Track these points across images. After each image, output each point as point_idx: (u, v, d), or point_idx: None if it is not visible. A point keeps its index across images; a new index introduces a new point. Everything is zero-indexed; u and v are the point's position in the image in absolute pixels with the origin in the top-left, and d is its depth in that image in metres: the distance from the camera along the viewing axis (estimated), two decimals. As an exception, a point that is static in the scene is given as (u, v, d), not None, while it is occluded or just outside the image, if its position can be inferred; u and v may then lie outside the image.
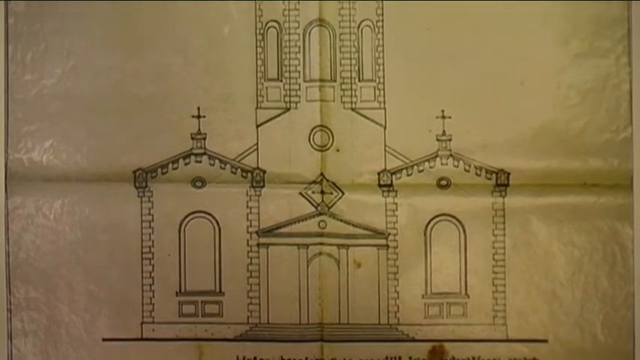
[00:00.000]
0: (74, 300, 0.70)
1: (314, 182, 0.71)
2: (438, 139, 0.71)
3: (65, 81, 0.71)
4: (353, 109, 0.71)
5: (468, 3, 0.71)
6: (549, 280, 0.70)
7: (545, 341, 0.70)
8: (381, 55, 0.71)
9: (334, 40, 0.71)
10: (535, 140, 0.70)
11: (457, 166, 0.71)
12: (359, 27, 0.71)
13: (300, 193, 0.71)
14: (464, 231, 0.71)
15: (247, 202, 0.71)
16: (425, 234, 0.71)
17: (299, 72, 0.71)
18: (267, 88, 0.71)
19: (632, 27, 0.70)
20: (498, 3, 0.71)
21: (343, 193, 0.71)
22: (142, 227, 0.71)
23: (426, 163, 0.71)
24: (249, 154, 0.71)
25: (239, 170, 0.71)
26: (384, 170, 0.71)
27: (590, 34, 0.70)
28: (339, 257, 0.71)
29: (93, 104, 0.71)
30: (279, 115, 0.71)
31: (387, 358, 0.70)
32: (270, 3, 0.71)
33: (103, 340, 0.70)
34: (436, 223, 0.71)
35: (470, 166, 0.71)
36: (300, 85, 0.71)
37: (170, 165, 0.71)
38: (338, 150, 0.71)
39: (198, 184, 0.71)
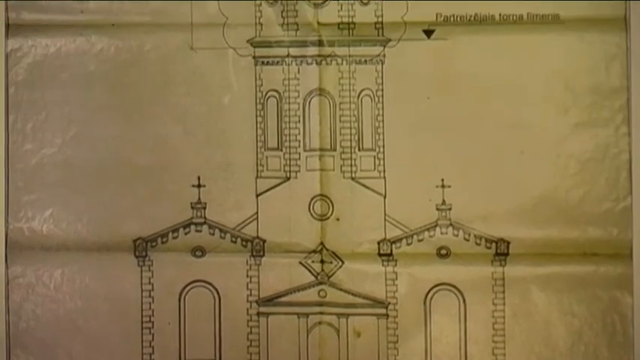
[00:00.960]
0: (74, 369, 0.71)
1: (314, 251, 0.71)
2: (437, 209, 0.71)
3: (65, 150, 0.71)
4: (353, 179, 0.71)
5: (468, 72, 0.71)
6: (549, 350, 0.70)
7: (545, 410, 0.70)
8: (380, 124, 0.71)
9: (334, 110, 0.71)
10: (535, 209, 0.70)
11: (457, 236, 0.71)
12: (359, 96, 0.71)
13: (300, 263, 0.71)
14: (464, 300, 0.71)
15: (247, 271, 0.71)
16: (425, 303, 0.71)
17: (299, 141, 0.71)
18: (267, 157, 0.71)
19: (631, 94, 0.70)
20: (498, 72, 0.71)
21: (343, 263, 0.71)
22: (142, 296, 0.71)
23: (426, 233, 0.71)
24: (249, 223, 0.71)
25: (239, 239, 0.71)
26: (384, 239, 0.71)
27: (589, 104, 0.71)
28: (339, 326, 0.71)
29: (93, 173, 0.71)
30: (279, 185, 0.71)
31: None
32: (270, 72, 0.71)
33: (104, 409, 0.71)
34: (436, 292, 0.71)
35: (470, 235, 0.71)
36: (300, 154, 0.71)
37: (170, 234, 0.71)
38: (338, 219, 0.71)
39: (198, 253, 0.71)
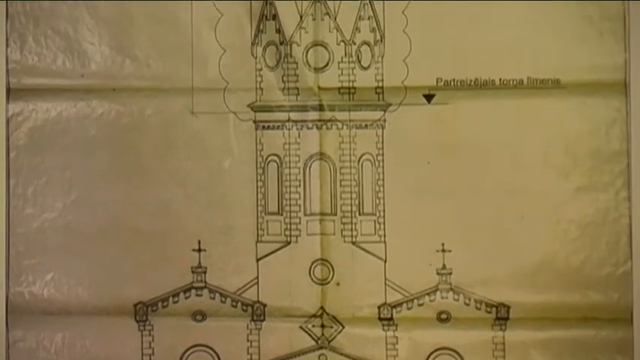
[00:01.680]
0: None
1: (314, 316, 0.71)
2: (438, 273, 0.71)
3: (66, 214, 0.71)
4: (353, 243, 0.71)
5: (468, 136, 0.71)
6: (550, 414, 0.70)
7: None
8: (381, 188, 0.71)
9: (335, 174, 0.71)
10: (535, 274, 0.70)
11: (457, 300, 0.71)
12: (359, 160, 0.72)
13: (301, 327, 0.71)
14: (464, 364, 0.71)
15: (248, 335, 0.71)
16: (425, 367, 0.71)
17: (299, 205, 0.71)
18: (267, 221, 0.71)
19: (631, 158, 0.70)
20: (499, 137, 0.71)
21: (343, 327, 0.71)
22: (142, 360, 0.71)
23: (427, 297, 0.71)
24: (249, 287, 0.71)
25: (239, 304, 0.71)
26: (385, 304, 0.71)
27: (589, 169, 0.71)
28: (340, 390, 0.71)
29: (94, 238, 0.71)
30: (279, 249, 0.71)
31: None
32: (271, 137, 0.71)
33: None
34: (437, 356, 0.71)
35: (470, 299, 0.71)
36: (300, 218, 0.71)
37: (171, 299, 0.71)
38: (338, 284, 0.71)
39: (199, 317, 0.71)
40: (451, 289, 0.71)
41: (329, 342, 0.71)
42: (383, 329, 0.71)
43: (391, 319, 0.71)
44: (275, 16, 0.71)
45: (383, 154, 0.71)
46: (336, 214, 0.71)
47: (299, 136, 0.71)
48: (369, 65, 0.72)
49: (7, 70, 0.71)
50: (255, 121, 0.71)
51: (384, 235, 0.71)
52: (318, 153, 0.71)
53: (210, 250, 0.71)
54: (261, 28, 0.72)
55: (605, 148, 0.71)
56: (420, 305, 0.71)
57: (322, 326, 0.71)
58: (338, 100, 0.71)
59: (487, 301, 0.71)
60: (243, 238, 0.71)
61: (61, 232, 0.71)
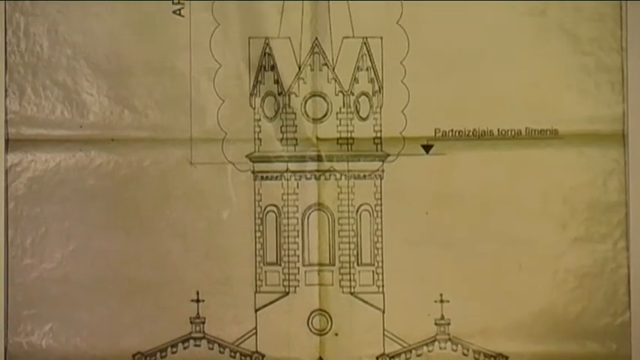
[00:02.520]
0: None
1: (313, 366, 0.71)
2: (436, 323, 0.71)
3: (65, 265, 0.71)
4: (352, 293, 0.71)
5: (466, 187, 0.71)
6: None
7: None
8: (379, 239, 0.71)
9: (333, 224, 0.72)
10: (533, 324, 0.70)
11: (455, 350, 0.71)
12: (357, 211, 0.72)
13: (300, 377, 0.71)
14: (462, 415, 0.71)
15: (246, 385, 0.71)
16: (424, 418, 0.71)
17: (298, 256, 0.71)
18: (266, 272, 0.71)
19: (629, 209, 0.71)
20: (497, 187, 0.71)
21: (342, 377, 0.71)
22: (141, 411, 0.71)
23: (425, 347, 0.71)
24: (248, 337, 0.71)
25: (238, 354, 0.71)
26: (383, 354, 0.71)
27: (587, 219, 0.71)
28: None
29: (92, 288, 0.71)
30: (278, 299, 0.71)
31: None
32: (270, 187, 0.71)
33: None
34: (435, 407, 0.71)
35: (468, 350, 0.71)
36: (298, 269, 0.71)
37: (169, 349, 0.71)
38: (336, 334, 0.71)
39: (197, 367, 0.71)
40: (449, 339, 0.71)
41: (327, 392, 0.71)
42: (381, 379, 0.71)
43: (389, 369, 0.71)
44: (273, 67, 0.72)
45: (381, 205, 0.72)
46: (334, 265, 0.71)
47: (297, 187, 0.71)
48: (368, 116, 0.72)
49: (6, 121, 0.71)
50: (253, 172, 0.71)
51: (383, 286, 0.71)
52: (316, 203, 0.71)
53: (208, 301, 0.71)
54: (259, 78, 0.72)
55: (603, 199, 0.71)
56: (418, 356, 0.71)
57: (321, 377, 0.71)
58: (336, 151, 0.72)
59: (485, 351, 0.71)
60: (241, 288, 0.71)
61: (59, 282, 0.71)
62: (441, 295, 0.71)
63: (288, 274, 0.71)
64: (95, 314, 0.71)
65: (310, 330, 0.71)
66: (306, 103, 0.72)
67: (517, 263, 0.71)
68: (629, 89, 0.71)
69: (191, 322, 0.71)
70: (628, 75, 0.71)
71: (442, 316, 0.71)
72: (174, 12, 0.72)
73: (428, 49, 0.71)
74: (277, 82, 0.72)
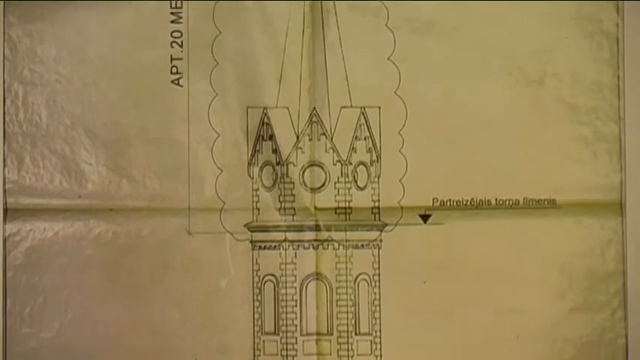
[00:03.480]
0: None
1: None
2: (434, 393, 0.71)
3: (63, 334, 0.71)
4: (350, 363, 0.72)
5: (464, 256, 0.71)
6: None
7: None
8: (377, 308, 0.72)
9: (331, 294, 0.72)
10: (531, 393, 0.71)
11: (453, 419, 0.71)
12: (355, 280, 0.72)
13: None
14: None
15: None
16: None
17: (296, 325, 0.71)
18: (264, 341, 0.71)
19: (627, 278, 0.71)
20: (494, 257, 0.71)
21: None
22: None
23: (423, 417, 0.71)
24: (245, 408, 0.71)
25: (236, 423, 0.71)
26: (381, 424, 0.71)
27: (585, 289, 0.71)
28: None
29: (91, 357, 0.71)
30: (276, 369, 0.71)
31: None
32: (268, 257, 0.71)
33: None
34: None
35: (466, 417, 0.71)
36: (296, 338, 0.71)
37: (167, 418, 0.71)
38: (335, 403, 0.71)
39: None
40: (447, 409, 0.71)
41: None
42: None
43: None
44: (272, 137, 0.72)
45: (379, 274, 0.72)
46: (332, 334, 0.71)
47: (295, 256, 0.72)
48: (366, 185, 0.72)
49: (5, 191, 0.71)
50: (251, 241, 0.72)
51: (381, 356, 0.71)
52: (314, 273, 0.71)
53: (206, 370, 0.71)
54: (257, 148, 0.72)
55: (600, 269, 0.71)
56: None
57: None
58: (334, 221, 0.72)
59: (483, 420, 0.71)
60: (239, 358, 0.71)
61: (58, 351, 0.71)
62: (439, 364, 0.71)
63: (286, 344, 0.71)
64: (93, 384, 0.71)
65: (308, 400, 0.71)
66: (304, 172, 0.72)
67: (515, 333, 0.71)
68: (626, 159, 0.71)
69: (189, 393, 0.71)
70: (626, 144, 0.71)
71: (440, 385, 0.71)
72: (172, 82, 0.72)
73: (425, 118, 0.72)
74: (275, 151, 0.72)
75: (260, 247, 0.72)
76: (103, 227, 0.71)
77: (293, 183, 0.72)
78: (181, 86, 0.72)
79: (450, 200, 0.71)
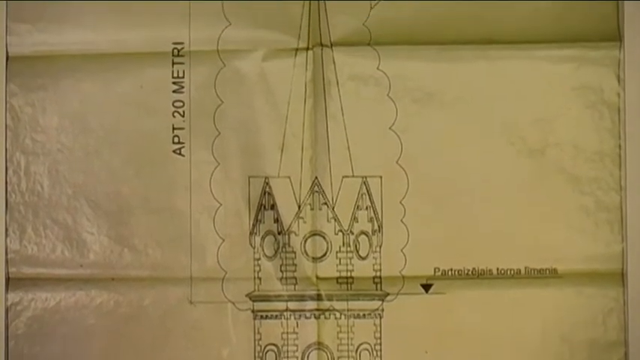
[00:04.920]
0: None
1: None
2: None
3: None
4: (351, 423, 0.72)
5: (465, 325, 0.71)
6: None
7: None
8: (379, 378, 0.72)
9: (333, 364, 0.72)
10: None
11: None
12: (357, 350, 0.72)
13: None
14: None
15: None
16: None
17: (298, 395, 0.72)
18: (265, 409, 0.72)
19: (629, 348, 0.71)
20: (496, 326, 0.71)
21: None
22: None
23: None
24: None
25: None
26: None
27: (586, 358, 0.71)
28: None
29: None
30: None
31: None
32: (269, 326, 0.72)
33: None
34: None
35: None
36: (298, 407, 0.72)
37: None
38: None
39: None
40: None
41: None
42: None
43: None
44: (273, 206, 0.72)
45: (381, 344, 0.72)
46: (334, 402, 0.72)
47: (297, 326, 0.72)
48: (367, 255, 0.72)
49: (7, 261, 0.71)
50: (253, 311, 0.72)
51: (382, 421, 0.72)
52: (316, 342, 0.72)
53: None
54: (259, 217, 0.72)
55: (602, 338, 0.71)
56: None
57: None
58: (336, 290, 0.72)
59: None
60: None
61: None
62: None
63: (288, 412, 0.72)
64: None
65: None
66: (305, 242, 0.72)
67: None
68: (628, 228, 0.71)
69: None
70: (627, 214, 0.71)
71: None
72: (174, 151, 0.72)
73: (427, 188, 0.72)
74: (277, 221, 0.72)
75: (262, 317, 0.72)
76: (105, 297, 0.72)
77: (295, 252, 0.72)
78: (183, 156, 0.72)
79: (451, 270, 0.71)
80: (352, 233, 0.72)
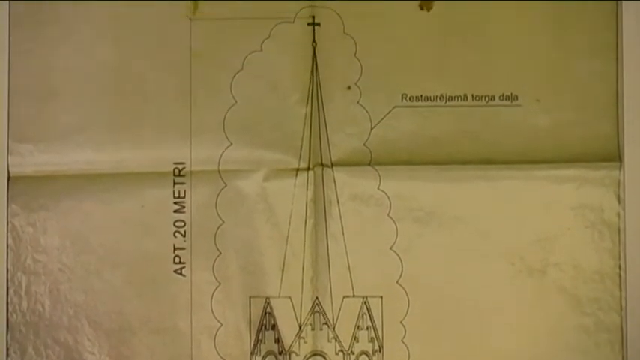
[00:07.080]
0: None
1: None
2: None
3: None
4: None
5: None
6: None
7: None
8: None
9: None
10: None
11: None
12: None
13: None
14: None
15: None
16: None
17: None
18: None
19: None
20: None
21: None
22: None
23: None
24: None
25: None
26: None
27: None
28: None
29: None
30: None
31: None
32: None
33: None
34: None
35: None
36: None
37: None
38: None
39: None
40: None
41: None
42: None
43: None
44: (274, 326, 0.72)
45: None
46: None
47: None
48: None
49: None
50: None
51: None
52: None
53: None
54: (260, 337, 0.72)
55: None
56: None
57: None
58: None
59: None
60: None
61: None
62: None
63: None
64: None
65: None
66: (306, 362, 0.72)
67: None
68: (628, 349, 0.71)
69: None
70: (627, 335, 0.71)
71: None
72: (175, 271, 0.72)
73: (428, 308, 0.72)
74: (278, 341, 0.72)
75: None
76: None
77: (295, 373, 0.72)
78: (184, 276, 0.72)
79: (455, 385, 0.72)
80: (353, 353, 0.72)
